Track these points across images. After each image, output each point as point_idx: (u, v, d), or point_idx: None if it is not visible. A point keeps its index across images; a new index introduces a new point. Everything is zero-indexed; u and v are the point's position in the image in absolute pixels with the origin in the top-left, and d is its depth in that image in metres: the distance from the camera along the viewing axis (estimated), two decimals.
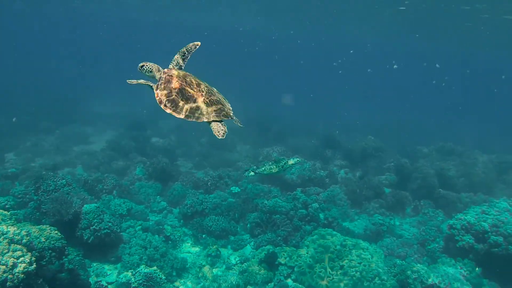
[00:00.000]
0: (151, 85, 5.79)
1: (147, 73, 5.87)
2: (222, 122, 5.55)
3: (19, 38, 75.47)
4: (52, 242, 10.23)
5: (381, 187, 19.66)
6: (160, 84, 5.69)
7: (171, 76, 5.72)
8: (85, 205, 12.95)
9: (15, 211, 12.75)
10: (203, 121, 5.52)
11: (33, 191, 13.91)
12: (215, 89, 5.97)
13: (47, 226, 11.05)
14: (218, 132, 5.45)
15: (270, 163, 11.18)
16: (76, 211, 12.66)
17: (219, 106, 5.60)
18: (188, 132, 28.08)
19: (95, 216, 12.62)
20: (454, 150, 26.60)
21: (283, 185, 19.28)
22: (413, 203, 18.99)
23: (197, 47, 6.14)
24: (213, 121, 5.52)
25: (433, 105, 58.99)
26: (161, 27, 59.31)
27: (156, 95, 5.63)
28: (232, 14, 40.96)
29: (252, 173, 11.23)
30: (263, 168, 11.06)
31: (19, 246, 8.99)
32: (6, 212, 11.54)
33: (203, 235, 14.45)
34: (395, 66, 64.12)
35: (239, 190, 18.02)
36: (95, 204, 13.17)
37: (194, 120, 5.45)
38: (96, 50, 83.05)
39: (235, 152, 25.26)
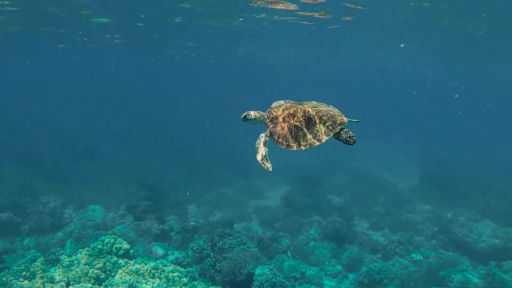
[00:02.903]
0: (268, 139, 5.71)
1: (251, 122, 5.94)
2: (344, 129, 5.30)
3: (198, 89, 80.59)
4: None
5: None
6: (272, 130, 5.63)
7: (276, 115, 5.63)
8: (258, 266, 12.47)
9: (191, 268, 12.74)
10: (326, 140, 5.28)
11: (209, 247, 13.93)
12: (316, 102, 5.75)
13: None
14: (347, 140, 5.25)
15: None
16: (249, 272, 12.24)
17: (331, 120, 5.29)
18: (364, 189, 26.76)
19: (267, 278, 12.04)
20: None
21: (471, 254, 16.93)
22: None
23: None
24: (334, 135, 5.30)
25: None
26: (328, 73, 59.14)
27: (274, 140, 5.58)
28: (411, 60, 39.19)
29: None
30: None
31: None
32: (182, 268, 11.57)
33: None
34: None
35: (420, 257, 16.21)
36: (268, 266, 12.63)
37: (317, 144, 5.26)
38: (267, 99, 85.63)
39: (415, 213, 23.18)
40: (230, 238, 13.66)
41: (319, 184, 27.78)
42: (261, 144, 5.68)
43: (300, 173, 28.85)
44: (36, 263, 12.12)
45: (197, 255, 14.49)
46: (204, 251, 14.41)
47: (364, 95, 73.77)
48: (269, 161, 5.62)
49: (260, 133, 5.81)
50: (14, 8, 20.57)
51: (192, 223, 18.43)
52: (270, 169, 5.58)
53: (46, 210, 18.77)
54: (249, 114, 5.94)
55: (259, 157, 5.64)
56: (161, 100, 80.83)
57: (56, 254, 13.30)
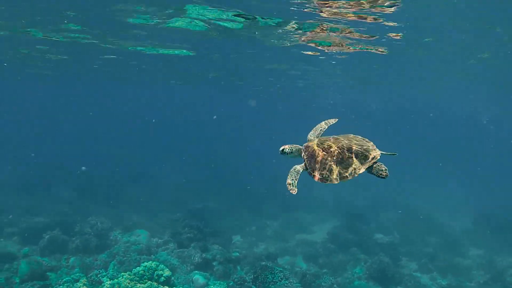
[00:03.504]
0: (301, 170, 5.91)
1: (289, 155, 6.13)
2: (377, 163, 5.55)
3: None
4: None
5: None
6: (307, 163, 5.80)
7: (312, 149, 5.85)
8: None
9: None
10: (360, 173, 5.50)
11: (251, 279, 13.65)
12: (352, 136, 6.04)
13: None
14: (380, 174, 5.46)
15: None
16: None
17: (364, 153, 5.55)
18: (413, 228, 25.81)
19: None
20: None
21: None
22: None
23: (334, 122, 6.47)
24: (366, 169, 5.53)
25: None
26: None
27: (309, 173, 5.74)
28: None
29: None
30: None
31: None
32: None
33: None
34: None
35: None
36: None
37: (351, 178, 5.46)
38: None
39: (466, 257, 22.13)
40: (273, 271, 13.34)
41: (367, 221, 27.04)
42: (294, 172, 5.89)
43: (348, 209, 28.23)
44: (78, 284, 12.21)
45: (238, 287, 14.22)
46: (246, 284, 14.13)
47: (418, 130, 72.26)
48: (296, 187, 5.77)
49: (297, 164, 6.06)
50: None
51: (235, 253, 18.23)
52: (295, 193, 5.70)
53: (93, 231, 19.02)
54: (286, 148, 6.15)
55: (288, 181, 5.81)
56: (214, 130, 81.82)
57: (99, 276, 13.39)
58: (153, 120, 67.43)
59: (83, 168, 29.27)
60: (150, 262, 12.58)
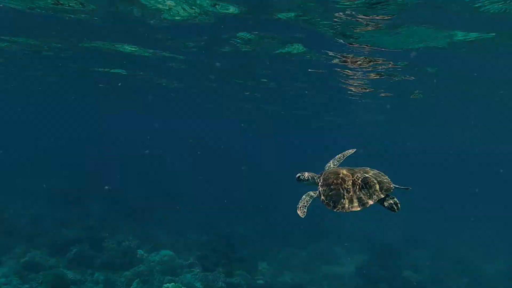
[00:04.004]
0: (315, 196, 6.10)
1: (304, 182, 6.33)
2: (389, 196, 5.58)
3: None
4: None
5: None
6: (321, 190, 5.96)
7: (327, 177, 6.01)
8: None
9: None
10: (371, 205, 5.55)
11: None
12: (368, 169, 6.02)
13: None
14: (392, 207, 5.48)
15: None
16: None
17: (377, 185, 5.62)
18: (445, 267, 24.97)
19: None
20: None
21: None
22: None
23: (352, 152, 6.63)
24: (378, 201, 5.56)
25: None
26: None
27: (322, 201, 5.89)
28: None
29: None
30: None
31: None
32: None
33: None
34: None
35: None
36: None
37: (361, 208, 5.54)
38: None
39: None
40: None
41: (397, 256, 26.31)
42: (307, 197, 6.12)
43: (378, 243, 27.60)
44: None
45: None
46: None
47: (453, 169, 70.67)
48: (305, 211, 6.00)
49: (311, 191, 6.26)
50: None
51: (260, 281, 17.96)
52: (302, 217, 5.93)
53: (120, 247, 19.07)
54: (302, 175, 6.35)
55: (299, 205, 6.06)
56: (250, 157, 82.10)
57: None
58: (190, 140, 67.92)
59: (106, 187, 29.66)
60: (173, 284, 12.48)
